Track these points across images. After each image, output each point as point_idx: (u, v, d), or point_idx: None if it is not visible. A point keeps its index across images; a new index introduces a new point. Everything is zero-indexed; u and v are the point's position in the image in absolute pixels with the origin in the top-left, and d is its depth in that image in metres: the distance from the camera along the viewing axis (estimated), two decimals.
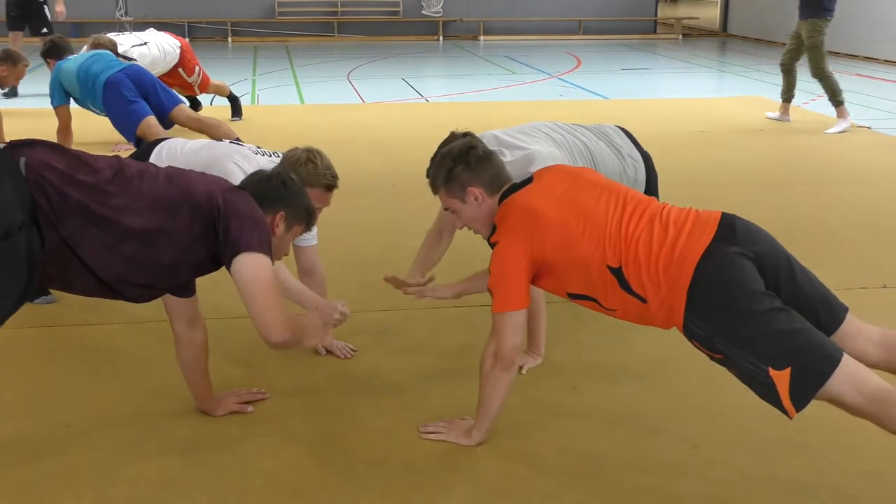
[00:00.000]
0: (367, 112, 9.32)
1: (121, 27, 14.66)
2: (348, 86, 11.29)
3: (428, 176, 2.89)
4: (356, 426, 2.95)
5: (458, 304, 3.97)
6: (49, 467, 2.70)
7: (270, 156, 3.52)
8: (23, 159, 2.33)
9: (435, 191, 2.88)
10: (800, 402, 2.31)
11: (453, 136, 3.19)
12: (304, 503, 2.55)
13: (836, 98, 8.19)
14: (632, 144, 3.75)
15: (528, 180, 2.80)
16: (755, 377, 2.36)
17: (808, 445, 2.78)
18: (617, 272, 2.52)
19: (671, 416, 3.02)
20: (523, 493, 2.58)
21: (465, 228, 2.92)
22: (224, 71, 11.89)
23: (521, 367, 3.33)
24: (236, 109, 8.37)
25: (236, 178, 3.26)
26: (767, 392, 2.35)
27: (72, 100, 6.39)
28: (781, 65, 8.60)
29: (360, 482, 2.64)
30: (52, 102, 6.37)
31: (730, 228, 2.48)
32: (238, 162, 3.37)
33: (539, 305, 3.34)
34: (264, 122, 8.36)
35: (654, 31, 19.11)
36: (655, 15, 19.25)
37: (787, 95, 8.56)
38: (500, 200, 2.76)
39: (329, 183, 3.27)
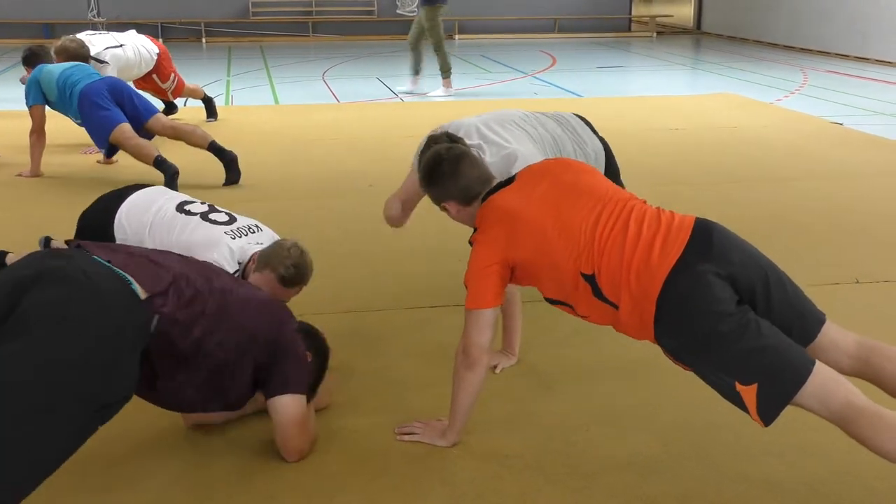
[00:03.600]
0: (342, 112, 9.30)
1: (93, 28, 14.55)
2: (323, 86, 11.26)
3: None
4: (330, 428, 2.94)
5: (431, 303, 3.99)
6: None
7: (247, 234, 3.37)
8: (157, 317, 2.38)
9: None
10: (767, 416, 2.32)
11: (431, 140, 3.19)
12: None
13: (445, 71, 10.26)
14: (591, 133, 3.80)
15: (511, 179, 2.80)
16: (723, 389, 2.38)
17: (780, 443, 2.78)
18: (590, 279, 2.50)
19: (645, 414, 3.03)
20: (498, 494, 2.58)
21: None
22: (198, 72, 11.84)
23: (495, 367, 3.33)
24: (211, 111, 8.33)
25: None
26: (736, 402, 2.37)
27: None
28: (409, 44, 10.31)
29: (335, 485, 2.63)
30: (27, 102, 6.32)
31: (705, 240, 2.42)
32: (217, 262, 3.18)
33: (515, 305, 3.35)
34: (239, 122, 8.32)
35: (629, 30, 19.16)
36: (630, 13, 19.31)
37: (416, 69, 10.34)
38: (484, 199, 2.76)
39: (291, 278, 3.17)
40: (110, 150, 6.19)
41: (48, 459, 2.16)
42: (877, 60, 13.12)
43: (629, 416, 3.02)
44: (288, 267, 3.14)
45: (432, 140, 3.22)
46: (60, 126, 7.00)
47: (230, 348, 2.56)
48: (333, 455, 2.80)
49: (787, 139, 7.64)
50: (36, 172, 6.36)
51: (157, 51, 7.81)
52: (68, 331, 2.17)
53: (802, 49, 14.86)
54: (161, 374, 2.45)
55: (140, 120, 6.09)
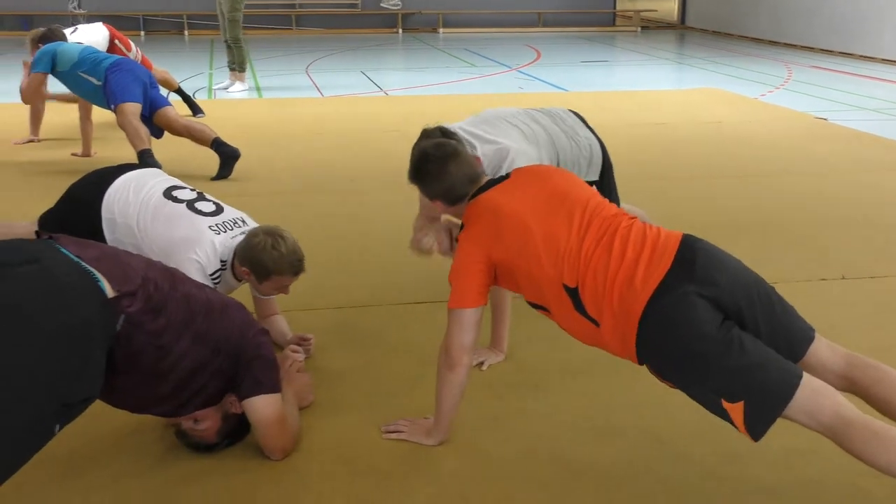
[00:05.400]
0: (325, 106, 9.22)
1: (73, 20, 14.41)
2: (307, 79, 11.18)
3: None
4: (314, 426, 2.89)
5: (416, 300, 3.95)
6: None
7: (232, 228, 3.29)
8: (123, 317, 2.30)
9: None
10: (756, 432, 2.29)
11: (424, 135, 3.16)
12: None
13: (242, 66, 9.90)
14: (585, 127, 3.78)
15: (503, 178, 2.77)
16: (710, 406, 2.35)
17: (772, 446, 2.59)
18: (573, 293, 2.45)
19: (636, 412, 2.99)
20: (483, 494, 2.54)
21: None
22: (181, 65, 11.73)
23: (481, 364, 3.29)
24: (194, 106, 8.20)
25: (195, 276, 3.02)
26: (724, 418, 2.33)
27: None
28: (224, 41, 9.80)
29: (320, 485, 2.59)
30: (32, 69, 6.28)
31: (689, 261, 2.36)
32: (199, 259, 3.16)
33: (503, 300, 3.30)
34: (221, 116, 8.20)
35: (613, 24, 19.17)
36: (614, 7, 19.31)
37: (233, 66, 9.92)
38: (473, 196, 2.72)
39: (297, 269, 3.16)
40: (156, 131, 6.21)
41: (6, 461, 2.07)
42: (861, 56, 13.15)
43: (618, 416, 2.98)
44: (293, 263, 3.12)
45: (425, 135, 3.20)
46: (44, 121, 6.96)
47: (194, 357, 2.49)
48: (317, 453, 2.75)
49: (773, 134, 7.63)
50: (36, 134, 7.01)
51: (106, 32, 7.72)
52: (29, 327, 2.08)
53: (787, 44, 14.88)
54: (121, 376, 2.37)
55: (156, 105, 6.13)
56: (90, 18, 13.96)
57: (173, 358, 2.44)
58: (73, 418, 2.24)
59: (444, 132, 3.22)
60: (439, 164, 2.76)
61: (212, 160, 6.10)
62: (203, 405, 2.62)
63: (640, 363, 2.47)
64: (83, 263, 2.28)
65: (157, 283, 2.44)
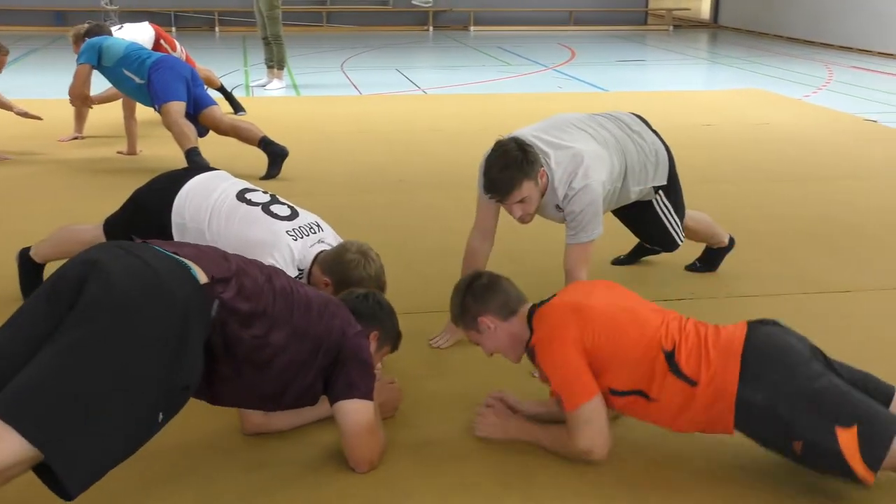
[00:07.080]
0: (365, 104, 9.16)
1: (105, 16, 14.41)
2: (343, 77, 11.12)
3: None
4: (399, 437, 2.81)
5: None
6: None
7: (308, 234, 3.24)
8: (216, 302, 2.28)
9: (456, 325, 2.90)
10: (873, 461, 2.26)
11: (498, 145, 3.19)
12: None
13: (280, 63, 9.87)
14: (650, 131, 3.77)
15: (549, 298, 2.75)
16: (821, 444, 2.30)
17: None
18: (669, 355, 2.50)
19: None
20: None
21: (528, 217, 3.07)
22: (213, 62, 11.66)
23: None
24: (235, 104, 8.14)
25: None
26: (837, 461, 2.29)
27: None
28: (262, 38, 9.77)
29: (412, 499, 2.52)
30: (78, 60, 6.17)
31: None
32: (277, 263, 3.07)
33: None
34: (261, 114, 8.11)
35: (645, 23, 19.04)
36: (646, 6, 19.17)
37: (271, 63, 9.92)
38: (530, 315, 2.72)
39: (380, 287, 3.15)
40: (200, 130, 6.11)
41: (114, 451, 2.11)
42: None
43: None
44: (375, 287, 3.06)
45: (499, 145, 3.20)
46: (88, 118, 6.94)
47: (292, 351, 2.45)
48: (402, 465, 2.67)
49: (823, 137, 7.51)
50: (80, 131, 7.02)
51: (152, 31, 7.65)
52: (134, 318, 2.10)
53: (824, 44, 14.71)
54: (221, 367, 2.35)
55: (200, 104, 6.04)
56: (123, 15, 13.98)
57: (271, 350, 2.40)
58: (174, 410, 2.23)
59: (518, 143, 3.20)
60: (491, 277, 2.82)
61: (258, 159, 6.04)
62: (300, 399, 2.61)
63: (741, 415, 2.43)
64: (178, 257, 2.29)
65: (251, 276, 2.43)
